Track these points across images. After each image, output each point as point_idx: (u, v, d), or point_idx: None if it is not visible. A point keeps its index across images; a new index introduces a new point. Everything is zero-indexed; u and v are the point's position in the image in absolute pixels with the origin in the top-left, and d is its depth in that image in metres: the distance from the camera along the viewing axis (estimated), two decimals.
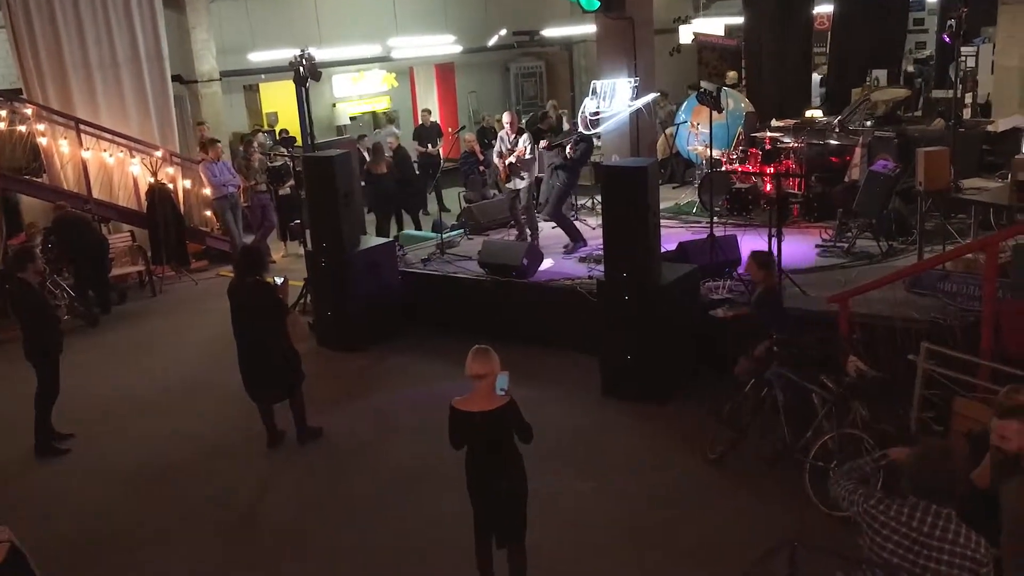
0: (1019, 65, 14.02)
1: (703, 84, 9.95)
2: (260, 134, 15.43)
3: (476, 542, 5.38)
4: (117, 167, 13.43)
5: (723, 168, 12.11)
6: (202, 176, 13.71)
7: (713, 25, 20.84)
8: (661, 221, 8.57)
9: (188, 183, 13.99)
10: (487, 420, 5.10)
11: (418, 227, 14.10)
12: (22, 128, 12.19)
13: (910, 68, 18.57)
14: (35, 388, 7.82)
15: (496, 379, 5.12)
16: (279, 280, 7.89)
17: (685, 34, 19.95)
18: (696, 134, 13.04)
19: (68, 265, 11.80)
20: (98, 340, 11.00)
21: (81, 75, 13.39)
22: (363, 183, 13.67)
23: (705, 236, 9.56)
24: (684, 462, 7.07)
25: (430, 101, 19.86)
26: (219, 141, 14.02)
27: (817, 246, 10.22)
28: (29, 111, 12.36)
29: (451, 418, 5.19)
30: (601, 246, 8.47)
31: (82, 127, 12.90)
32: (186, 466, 7.59)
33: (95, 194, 13.01)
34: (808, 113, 14.51)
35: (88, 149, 12.95)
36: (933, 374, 6.27)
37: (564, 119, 11.23)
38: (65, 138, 12.83)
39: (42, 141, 12.62)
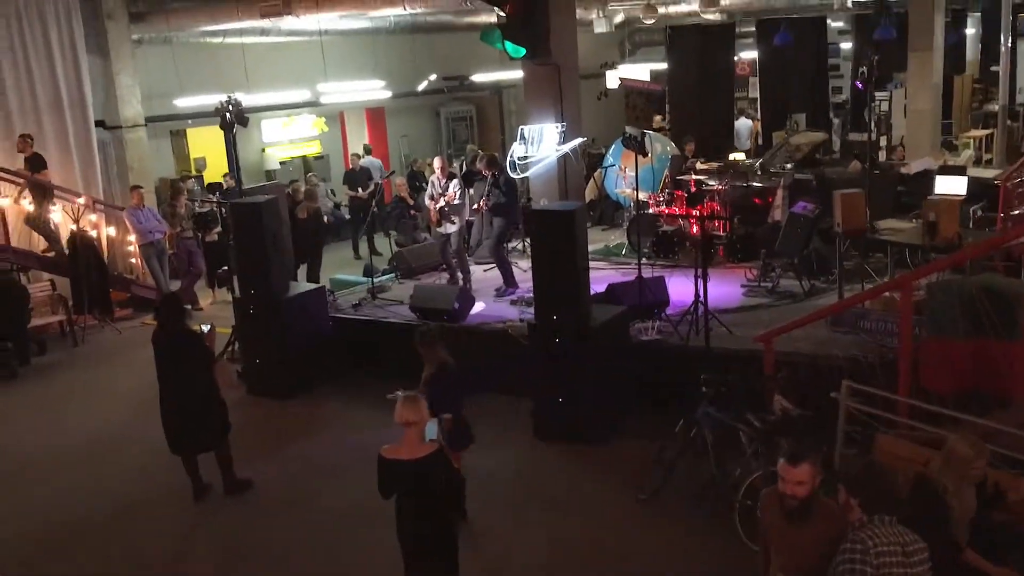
0: (931, 108, 14.65)
1: (628, 129, 10.16)
2: (188, 180, 15.21)
3: None
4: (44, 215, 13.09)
5: (650, 210, 12.33)
6: (127, 223, 13.45)
7: (639, 71, 21.34)
8: (590, 262, 8.69)
9: (112, 230, 13.71)
10: (416, 468, 5.07)
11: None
12: None
13: (831, 114, 19.26)
14: None
15: (425, 426, 5.10)
16: (205, 328, 7.77)
17: (612, 79, 20.37)
18: (624, 177, 13.28)
19: None
20: (16, 392, 10.64)
21: (0, 120, 13.07)
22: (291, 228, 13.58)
23: (633, 278, 9.70)
24: (615, 502, 7.11)
25: (361, 145, 19.85)
26: (142, 187, 13.78)
27: (743, 286, 10.44)
28: None
29: (380, 466, 5.15)
30: (532, 289, 8.53)
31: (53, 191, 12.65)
32: (106, 522, 7.34)
33: (13, 242, 12.65)
34: (731, 156, 14.92)
35: (7, 196, 12.61)
36: (855, 411, 6.41)
37: (478, 162, 11.35)
38: (37, 202, 12.52)
39: None
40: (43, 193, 12.68)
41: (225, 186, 15.27)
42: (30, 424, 9.65)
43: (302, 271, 12.61)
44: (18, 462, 8.55)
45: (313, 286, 10.61)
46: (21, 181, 12.69)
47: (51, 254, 12.79)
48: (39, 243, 13.17)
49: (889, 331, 7.68)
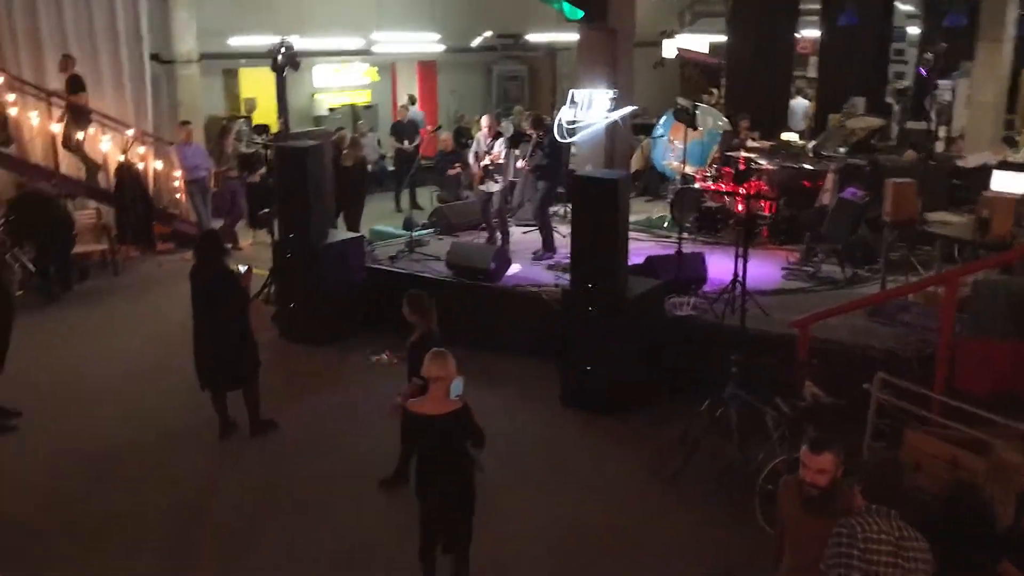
0: (995, 101, 14.24)
1: (679, 100, 9.99)
2: (237, 120, 15.27)
3: (421, 546, 5.36)
4: (88, 143, 13.23)
5: (696, 185, 12.16)
6: (174, 158, 13.55)
7: (698, 41, 20.98)
8: (631, 234, 8.60)
9: (160, 164, 13.82)
10: (439, 423, 5.08)
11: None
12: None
13: (888, 99, 18.78)
14: None
15: (452, 383, 5.11)
16: (243, 268, 7.82)
17: (669, 48, 20.05)
18: (672, 149, 13.09)
19: (30, 240, 11.59)
20: (55, 317, 10.83)
21: (57, 47, 13.16)
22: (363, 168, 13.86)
23: (673, 252, 9.59)
24: (638, 477, 7.09)
25: (407, 96, 19.77)
26: (191, 124, 13.86)
27: (783, 268, 10.28)
28: (0, 80, 12.15)
29: (404, 419, 5.17)
30: (569, 254, 8.48)
31: (53, 100, 12.69)
32: (132, 454, 7.46)
33: (63, 169, 12.80)
34: (784, 136, 14.63)
35: (59, 122, 12.74)
36: (887, 404, 6.31)
37: (523, 121, 11.21)
38: (35, 110, 12.61)
39: (12, 112, 12.40)
40: (79, 116, 12.63)
41: (274, 129, 15.32)
42: (66, 350, 9.82)
43: (343, 219, 12.65)
44: (51, 388, 8.70)
45: (351, 235, 10.62)
46: (59, 102, 12.73)
47: (85, 177, 12.76)
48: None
49: (930, 326, 7.54)
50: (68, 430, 7.85)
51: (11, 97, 12.24)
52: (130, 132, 13.32)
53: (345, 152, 13.26)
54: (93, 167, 12.87)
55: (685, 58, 20.66)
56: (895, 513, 3.66)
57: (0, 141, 12.21)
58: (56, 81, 12.90)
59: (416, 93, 19.77)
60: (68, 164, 13.03)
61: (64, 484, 6.97)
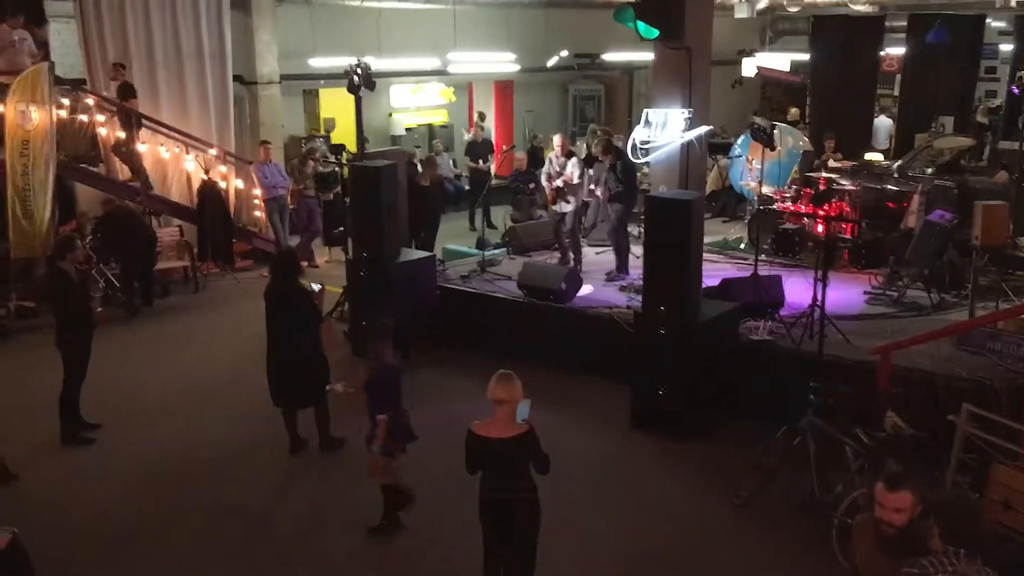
0: None
1: (756, 120, 9.78)
2: (317, 140, 15.54)
3: (484, 569, 5.27)
4: (172, 162, 13.61)
5: (775, 206, 11.89)
6: (253, 177, 13.84)
7: (778, 60, 20.62)
8: (706, 255, 8.44)
9: (240, 183, 14.13)
10: (504, 447, 5.00)
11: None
12: (83, 117, 12.39)
13: (981, 119, 18.13)
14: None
15: (518, 406, 5.02)
16: (316, 286, 7.90)
17: (748, 67, 19.75)
18: (750, 169, 12.85)
19: (115, 256, 11.97)
20: (137, 332, 11.11)
21: (145, 69, 13.62)
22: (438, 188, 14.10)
23: (749, 274, 9.36)
24: (708, 503, 6.89)
25: (487, 117, 19.87)
26: (270, 143, 14.14)
27: (865, 293, 9.95)
28: (91, 101, 12.58)
29: (468, 442, 5.10)
30: (642, 276, 8.34)
31: (141, 121, 13.08)
32: (205, 467, 7.57)
33: (146, 186, 13.16)
34: (868, 155, 14.23)
35: (144, 143, 13.13)
36: (973, 437, 6.01)
37: (593, 147, 11.12)
38: (124, 130, 13.01)
39: (101, 132, 12.82)
40: (129, 121, 12.76)
41: (351, 148, 15.55)
42: (146, 363, 10.05)
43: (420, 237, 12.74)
44: (129, 401, 8.91)
45: (424, 254, 10.66)
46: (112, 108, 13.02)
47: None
48: (171, 189, 13.68)
49: (1021, 356, 7.17)
50: (145, 443, 8.01)
51: (101, 118, 12.65)
52: (213, 151, 13.65)
53: (421, 172, 13.37)
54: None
55: (765, 77, 20.32)
56: (980, 558, 3.43)
57: (89, 160, 12.62)
58: (144, 104, 13.31)
59: (494, 112, 19.87)
60: (153, 182, 13.38)
61: (131, 499, 7.08)
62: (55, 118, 11.50)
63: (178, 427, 8.35)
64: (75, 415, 8.01)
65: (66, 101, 12.41)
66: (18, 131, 11.21)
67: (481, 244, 11.91)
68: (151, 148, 13.28)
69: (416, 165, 13.83)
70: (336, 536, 6.50)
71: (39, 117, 11.24)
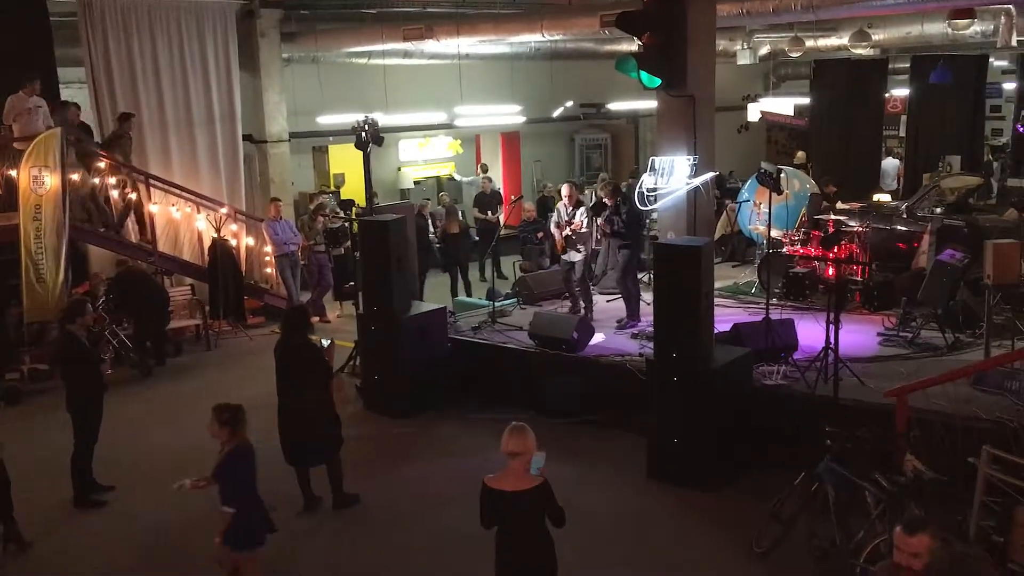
0: None
1: (763, 165, 9.82)
2: (324, 196, 15.68)
3: None
4: (183, 221, 13.75)
5: (784, 249, 11.88)
6: (264, 234, 13.95)
7: (782, 104, 20.76)
8: (717, 300, 8.41)
9: (251, 240, 14.23)
10: (519, 500, 4.95)
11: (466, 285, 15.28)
12: (95, 181, 12.55)
13: (988, 157, 18.17)
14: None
15: (531, 458, 4.98)
16: (326, 342, 7.91)
17: (753, 112, 19.89)
18: (758, 213, 12.86)
19: (128, 316, 12.03)
20: (150, 392, 11.11)
21: (157, 132, 13.85)
22: (439, 243, 15.22)
23: (761, 318, 9.32)
24: (728, 554, 6.78)
25: (495, 169, 20.02)
26: (280, 200, 14.27)
27: (879, 335, 9.88)
28: (102, 165, 12.74)
29: (483, 496, 5.06)
30: (653, 323, 8.31)
31: (152, 182, 13.25)
32: (209, 533, 7.49)
33: (160, 247, 13.29)
34: (876, 197, 14.25)
35: (156, 203, 13.27)
36: (995, 479, 5.91)
37: (600, 190, 11.21)
38: (135, 192, 13.16)
39: (113, 194, 12.97)
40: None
41: (360, 203, 15.72)
42: (159, 423, 10.03)
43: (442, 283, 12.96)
44: (145, 461, 8.87)
45: (434, 306, 10.65)
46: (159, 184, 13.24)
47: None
48: (183, 249, 13.80)
49: None
50: (158, 504, 7.93)
51: (112, 181, 12.80)
52: (223, 210, 13.78)
53: (447, 220, 14.75)
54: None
55: (770, 121, 20.45)
56: None
57: (104, 223, 12.73)
58: (156, 166, 13.48)
59: (500, 164, 20.02)
60: (165, 242, 13.51)
61: (143, 563, 7.01)
62: (67, 182, 11.63)
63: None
64: (88, 478, 7.97)
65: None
66: (31, 196, 11.34)
67: (491, 295, 11.91)
68: (163, 208, 13.41)
69: (426, 217, 14.00)
70: None
71: (52, 182, 11.38)
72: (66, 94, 13.40)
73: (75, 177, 12.05)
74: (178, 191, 13.57)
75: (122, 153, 12.87)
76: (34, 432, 9.59)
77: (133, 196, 13.01)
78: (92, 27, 13.19)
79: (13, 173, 11.57)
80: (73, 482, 7.91)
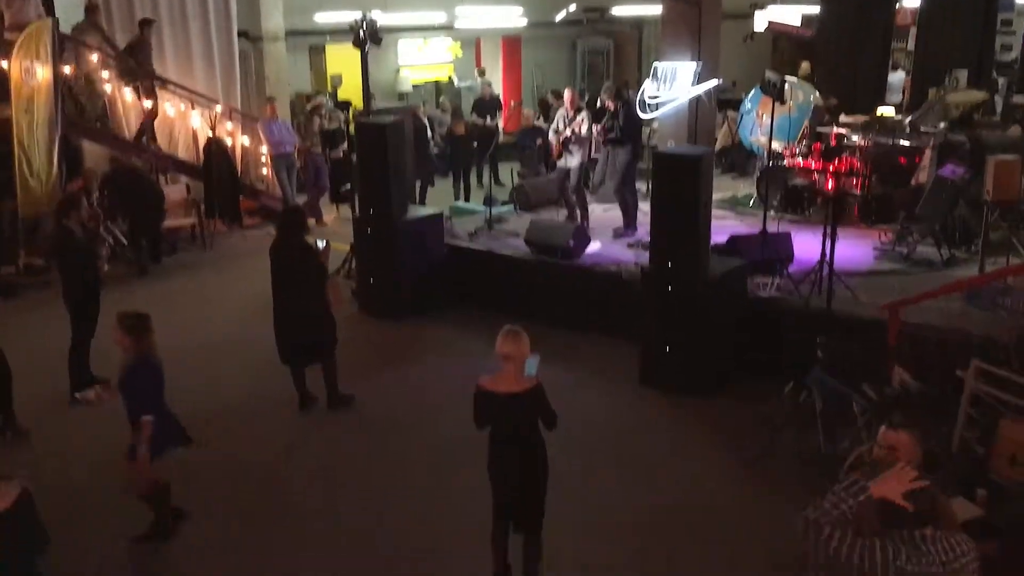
0: None
1: (767, 74, 9.64)
2: (320, 96, 15.44)
3: (493, 525, 5.32)
4: (178, 119, 13.55)
5: (784, 162, 11.77)
6: (260, 134, 13.77)
7: (790, 13, 20.27)
8: (715, 211, 8.37)
9: (246, 140, 14.06)
10: (512, 402, 5.02)
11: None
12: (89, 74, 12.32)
13: (995, 73, 17.84)
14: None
15: (525, 361, 5.03)
16: (321, 244, 7.88)
17: (760, 21, 19.44)
18: (760, 124, 12.69)
19: (123, 213, 11.95)
20: (146, 290, 11.11)
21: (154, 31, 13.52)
22: (441, 146, 15.43)
23: (758, 230, 9.30)
24: (716, 459, 6.91)
25: (495, 73, 19.69)
26: (276, 100, 14.04)
27: (875, 249, 9.89)
28: (95, 58, 12.48)
29: (476, 397, 5.12)
30: (649, 232, 8.30)
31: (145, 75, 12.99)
32: (216, 424, 7.58)
33: (152, 143, 13.12)
34: (879, 110, 14.05)
35: (149, 99, 13.04)
36: (982, 393, 5.99)
37: (602, 92, 11.00)
38: (153, 100, 12.94)
39: (106, 88, 12.75)
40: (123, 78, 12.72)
41: (357, 105, 15.50)
42: (155, 321, 9.99)
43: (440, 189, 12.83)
44: None
45: (430, 211, 10.60)
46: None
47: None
48: (178, 146, 13.65)
49: None
50: None
51: (105, 74, 12.57)
52: (218, 108, 13.57)
53: (452, 122, 14.69)
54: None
55: (776, 31, 19.99)
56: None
57: (96, 117, 12.56)
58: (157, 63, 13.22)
59: (500, 69, 19.67)
60: (159, 139, 13.35)
61: None
62: (59, 74, 11.41)
63: (187, 384, 8.29)
64: (84, 370, 8.04)
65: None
66: (23, 88, 11.15)
67: (488, 201, 11.85)
68: (158, 105, 13.20)
69: (423, 120, 13.84)
70: (345, 495, 6.54)
71: (43, 74, 11.16)
72: None
73: (67, 69, 11.83)
74: (172, 87, 13.34)
75: (143, 60, 12.62)
76: (31, 326, 9.64)
77: (148, 104, 12.81)
78: None
79: (4, 64, 11.34)
80: (70, 375, 7.97)
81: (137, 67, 12.60)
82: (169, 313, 10.31)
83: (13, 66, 11.11)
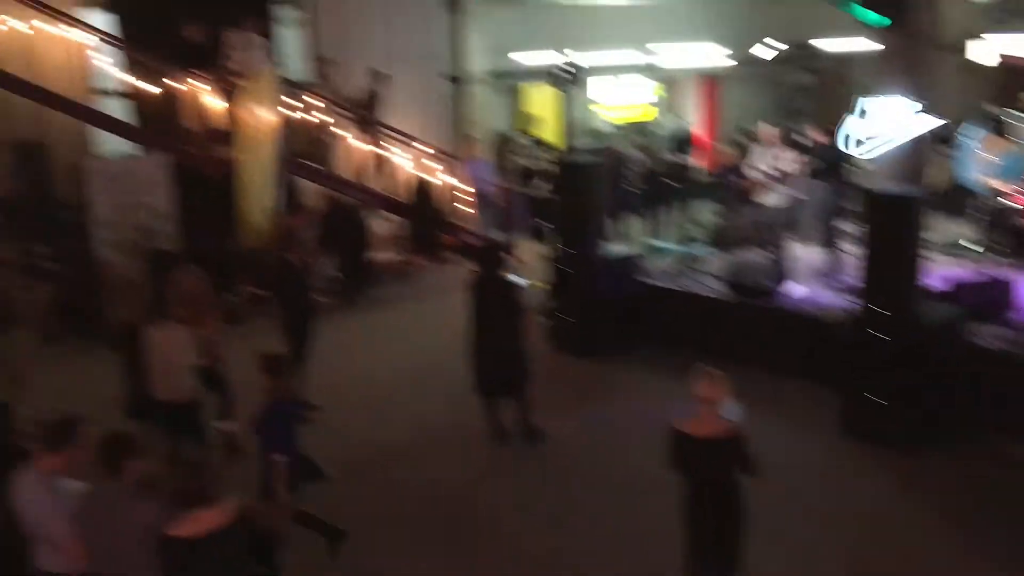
0: None
1: (988, 109, 9.02)
2: (520, 135, 15.83)
3: (686, 569, 5.19)
4: (388, 158, 14.24)
5: (1008, 203, 10.93)
6: (462, 173, 14.25)
7: (1019, 43, 18.93)
8: (932, 255, 7.90)
9: (449, 178, 14.58)
10: (711, 447, 4.92)
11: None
12: (307, 117, 13.18)
13: None
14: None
15: (725, 405, 4.91)
16: (521, 280, 8.05)
17: (983, 54, 18.27)
18: (982, 162, 11.87)
19: (335, 248, 12.67)
20: (351, 321, 11.70)
21: (362, 72, 14.34)
22: (636, 184, 14.39)
23: (981, 276, 8.68)
24: (930, 521, 6.46)
25: (692, 110, 19.51)
26: (478, 139, 14.51)
27: None
28: (319, 104, 13.35)
29: (672, 440, 5.04)
30: (858, 276, 7.92)
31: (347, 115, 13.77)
32: (407, 452, 7.90)
33: (364, 183, 13.85)
34: None
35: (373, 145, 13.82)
36: None
37: (808, 130, 10.60)
38: (344, 129, 13.74)
39: (329, 132, 13.56)
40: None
41: (556, 144, 15.77)
42: (358, 352, 10.59)
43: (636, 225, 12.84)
44: (349, 384, 9.42)
45: (627, 250, 10.60)
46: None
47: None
48: (386, 185, 14.33)
49: None
50: (360, 425, 8.46)
51: (325, 117, 13.40)
52: (424, 148, 14.17)
53: (649, 160, 14.18)
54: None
55: (1011, 64, 18.65)
56: None
57: (316, 158, 13.41)
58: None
59: (698, 108, 19.47)
60: (368, 178, 14.07)
61: (334, 481, 7.42)
62: (283, 118, 12.28)
63: (391, 412, 8.75)
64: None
65: (296, 103, 13.22)
66: (249, 130, 12.08)
67: (684, 240, 11.71)
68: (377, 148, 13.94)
69: (621, 158, 13.89)
70: (533, 528, 6.59)
71: (268, 117, 12.05)
72: (279, 35, 14.12)
73: (292, 114, 12.72)
74: (384, 129, 14.07)
75: (373, 112, 13.53)
76: (251, 352, 10.31)
77: (369, 149, 13.62)
78: None
79: (231, 108, 12.32)
80: None
81: (368, 118, 13.41)
82: (373, 343, 10.87)
83: (240, 110, 12.06)
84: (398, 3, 14.64)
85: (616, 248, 10.76)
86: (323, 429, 8.34)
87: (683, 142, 16.55)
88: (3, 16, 11.60)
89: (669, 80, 19.59)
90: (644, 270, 10.68)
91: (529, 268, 13.02)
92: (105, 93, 12.81)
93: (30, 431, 4.65)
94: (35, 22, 11.87)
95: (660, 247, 12.45)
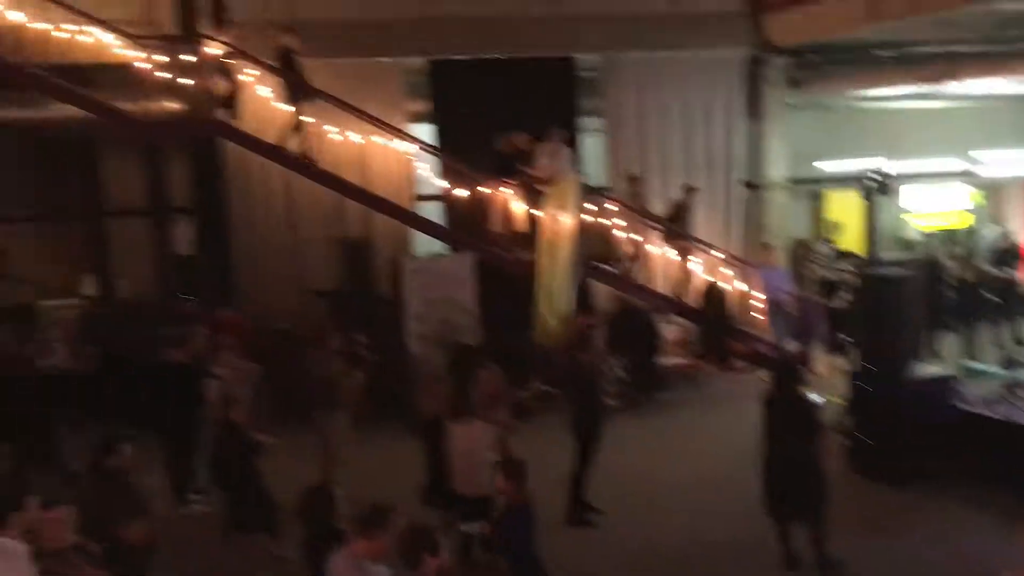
0: None
1: None
2: (820, 243, 15.25)
3: None
4: (679, 263, 14.24)
5: None
6: (756, 279, 13.93)
7: None
8: None
9: (743, 285, 14.29)
10: None
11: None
12: (604, 221, 13.55)
13: None
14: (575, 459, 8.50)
15: None
16: (818, 398, 7.67)
17: None
18: None
19: (623, 350, 12.76)
20: (638, 423, 11.65)
21: (658, 178, 14.62)
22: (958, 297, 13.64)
23: None
24: None
25: (1016, 219, 17.80)
26: (774, 246, 14.16)
27: None
28: (615, 208, 13.73)
29: None
30: None
31: (655, 226, 13.98)
32: (697, 565, 7.61)
33: (655, 286, 13.91)
34: None
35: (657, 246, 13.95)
36: None
37: None
38: (641, 235, 13.98)
39: (620, 235, 13.89)
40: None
41: (859, 253, 15.02)
42: (644, 454, 10.47)
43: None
44: (633, 488, 9.34)
45: (939, 371, 9.77)
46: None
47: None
48: (677, 288, 14.31)
49: None
50: (642, 532, 8.32)
51: (620, 222, 13.73)
52: (717, 254, 14.04)
53: (966, 273, 13.53)
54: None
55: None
56: None
57: (613, 262, 13.68)
58: (656, 210, 14.21)
59: (1021, 213, 17.74)
60: (663, 283, 14.14)
61: None
62: (581, 223, 12.71)
63: (669, 520, 8.55)
64: (582, 497, 8.57)
65: (593, 207, 13.68)
66: (549, 234, 12.60)
67: (1007, 362, 10.60)
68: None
69: (936, 269, 13.02)
70: None
71: (568, 222, 12.53)
72: (582, 141, 14.72)
73: (590, 219, 13.14)
74: (681, 237, 14.15)
75: (683, 224, 13.86)
76: (537, 447, 10.56)
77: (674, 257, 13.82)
78: (612, 82, 14.47)
79: (536, 213, 12.95)
80: (569, 499, 8.54)
81: (677, 231, 13.63)
82: (660, 448, 10.74)
83: (544, 215, 12.63)
84: (699, 110, 14.81)
85: (927, 367, 9.95)
86: (608, 532, 8.34)
87: (1007, 254, 15.12)
88: (342, 129, 13.06)
89: (991, 187, 18.11)
90: (958, 393, 9.76)
91: (826, 382, 12.39)
92: (423, 198, 13.97)
93: (345, 513, 5.03)
94: (370, 136, 13.22)
95: (978, 369, 11.37)
